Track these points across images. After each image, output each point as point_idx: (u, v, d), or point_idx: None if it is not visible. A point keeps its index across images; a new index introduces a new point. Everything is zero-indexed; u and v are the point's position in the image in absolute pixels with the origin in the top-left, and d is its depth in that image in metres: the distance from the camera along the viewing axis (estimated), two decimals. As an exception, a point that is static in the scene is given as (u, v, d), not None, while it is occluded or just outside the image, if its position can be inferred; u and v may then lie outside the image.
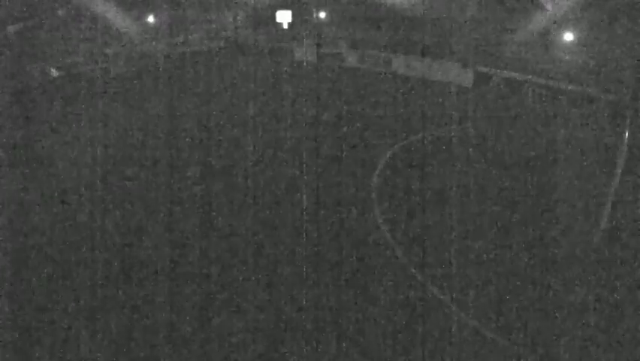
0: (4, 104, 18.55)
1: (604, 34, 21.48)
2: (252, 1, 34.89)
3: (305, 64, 30.17)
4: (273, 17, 32.37)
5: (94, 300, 7.86)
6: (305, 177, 12.68)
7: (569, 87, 21.31)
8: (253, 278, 8.49)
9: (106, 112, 19.16)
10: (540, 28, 24.62)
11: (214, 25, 35.67)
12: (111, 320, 7.41)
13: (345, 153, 14.66)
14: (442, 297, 8.07)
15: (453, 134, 16.81)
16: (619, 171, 9.41)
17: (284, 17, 31.91)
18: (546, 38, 24.35)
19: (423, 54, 27.34)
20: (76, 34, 26.51)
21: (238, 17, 35.75)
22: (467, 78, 25.15)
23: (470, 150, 15.12)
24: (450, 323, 7.51)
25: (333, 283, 8.40)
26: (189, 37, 33.94)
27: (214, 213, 10.84)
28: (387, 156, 14.51)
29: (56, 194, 11.73)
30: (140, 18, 30.86)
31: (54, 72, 23.19)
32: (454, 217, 10.71)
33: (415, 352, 6.89)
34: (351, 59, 30.66)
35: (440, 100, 21.87)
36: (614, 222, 9.51)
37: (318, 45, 31.02)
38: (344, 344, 7.00)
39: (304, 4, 33.46)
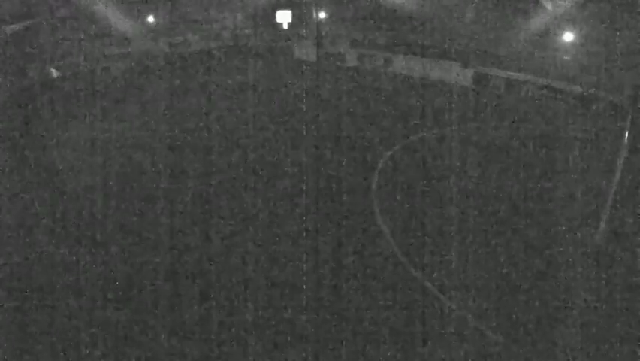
0: (4, 104, 18.55)
1: (604, 34, 21.48)
2: (252, 1, 34.90)
3: (305, 64, 30.15)
4: (273, 17, 32.36)
5: (94, 300, 7.86)
6: (305, 177, 12.68)
7: (569, 87, 21.33)
8: (253, 279, 8.49)
9: (106, 112, 19.16)
10: (540, 28, 24.63)
11: (214, 25, 35.66)
12: (111, 319, 7.41)
13: (345, 153, 14.65)
14: (442, 297, 8.07)
15: (453, 134, 16.81)
16: (619, 171, 9.41)
17: (284, 17, 31.86)
18: (546, 38, 24.36)
19: (423, 54, 27.34)
20: (76, 34, 26.52)
21: (238, 17, 35.74)
22: (467, 78, 25.15)
23: (470, 150, 15.12)
24: (449, 322, 7.51)
25: (333, 283, 8.40)
26: (189, 37, 33.94)
27: (214, 213, 10.83)
28: (388, 155, 14.51)
29: (56, 194, 11.73)
30: (140, 18, 30.85)
31: (54, 72, 23.20)
32: (454, 217, 10.71)
33: (415, 351, 6.89)
34: (351, 59, 30.64)
35: (440, 100, 21.86)
36: (614, 222, 9.51)
37: (318, 45, 31.02)
38: (344, 344, 7.00)
39: (304, 4, 33.45)
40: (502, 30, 26.07)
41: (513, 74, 23.83)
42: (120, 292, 8.08)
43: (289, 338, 7.12)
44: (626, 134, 9.42)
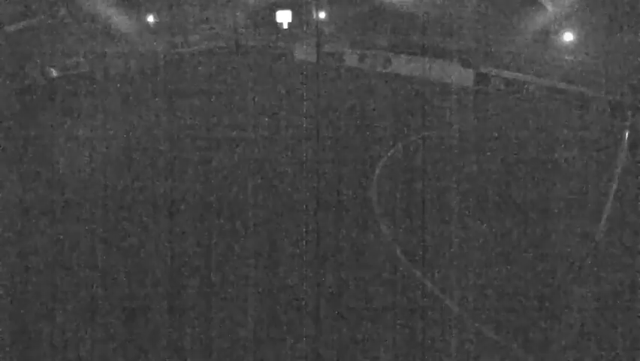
0: (4, 104, 18.57)
1: (604, 34, 21.48)
2: (252, 1, 34.94)
3: (305, 64, 30.16)
4: (273, 17, 32.41)
5: (94, 300, 7.86)
6: (305, 177, 12.68)
7: (569, 87, 21.34)
8: (253, 278, 8.49)
9: (106, 112, 19.16)
10: (540, 28, 24.65)
11: (214, 25, 35.69)
12: (111, 320, 7.41)
13: (345, 153, 14.66)
14: (442, 297, 8.07)
15: (453, 134, 16.82)
16: (619, 170, 9.41)
17: (284, 17, 31.95)
18: (546, 38, 24.37)
19: (423, 54, 27.38)
20: (76, 35, 26.53)
21: (238, 17, 35.76)
22: (467, 78, 25.16)
23: (470, 150, 15.13)
24: (450, 322, 7.51)
25: (332, 283, 8.40)
26: (189, 37, 33.96)
27: (214, 213, 10.83)
28: (387, 156, 14.51)
29: (56, 194, 11.73)
30: (140, 18, 30.88)
31: (54, 72, 23.22)
32: (454, 217, 10.71)
33: (415, 352, 6.89)
34: (351, 59, 30.65)
35: (440, 100, 21.87)
36: (614, 222, 9.51)
37: (318, 45, 31.06)
38: (344, 344, 7.00)
39: (304, 4, 33.48)
40: (502, 30, 26.08)
41: (513, 74, 23.84)
42: (119, 293, 8.07)
43: (288, 338, 7.11)
44: (626, 134, 9.42)
